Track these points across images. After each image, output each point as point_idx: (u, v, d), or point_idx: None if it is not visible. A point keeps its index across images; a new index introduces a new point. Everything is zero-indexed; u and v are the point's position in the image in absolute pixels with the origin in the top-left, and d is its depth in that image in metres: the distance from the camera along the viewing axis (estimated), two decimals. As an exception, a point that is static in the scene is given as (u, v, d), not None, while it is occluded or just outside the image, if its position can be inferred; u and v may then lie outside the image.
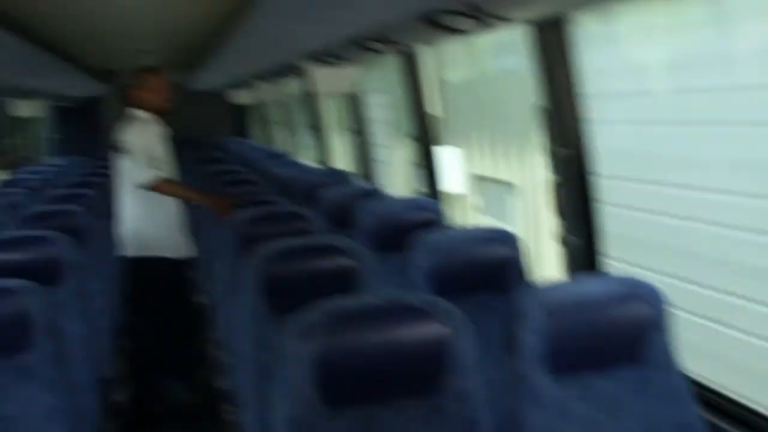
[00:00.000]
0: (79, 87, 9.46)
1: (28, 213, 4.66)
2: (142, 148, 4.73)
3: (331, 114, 11.45)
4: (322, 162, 7.44)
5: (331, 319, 2.10)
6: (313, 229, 3.97)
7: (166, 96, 4.92)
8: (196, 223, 5.30)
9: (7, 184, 7.15)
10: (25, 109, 8.23)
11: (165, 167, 4.85)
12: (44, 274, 3.43)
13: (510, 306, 2.98)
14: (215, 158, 8.63)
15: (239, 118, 12.57)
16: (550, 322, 2.24)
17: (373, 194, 4.97)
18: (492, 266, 3.18)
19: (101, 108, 11.66)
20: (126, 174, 4.84)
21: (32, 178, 7.32)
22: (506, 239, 3.21)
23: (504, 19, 2.20)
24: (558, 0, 2.13)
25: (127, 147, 4.80)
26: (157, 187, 4.72)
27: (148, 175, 4.70)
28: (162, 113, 4.95)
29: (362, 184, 6.31)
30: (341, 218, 4.81)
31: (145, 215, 4.86)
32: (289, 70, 5.82)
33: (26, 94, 7.68)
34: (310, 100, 7.39)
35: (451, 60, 9.06)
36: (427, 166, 4.68)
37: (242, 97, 10.26)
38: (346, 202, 4.87)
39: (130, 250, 4.94)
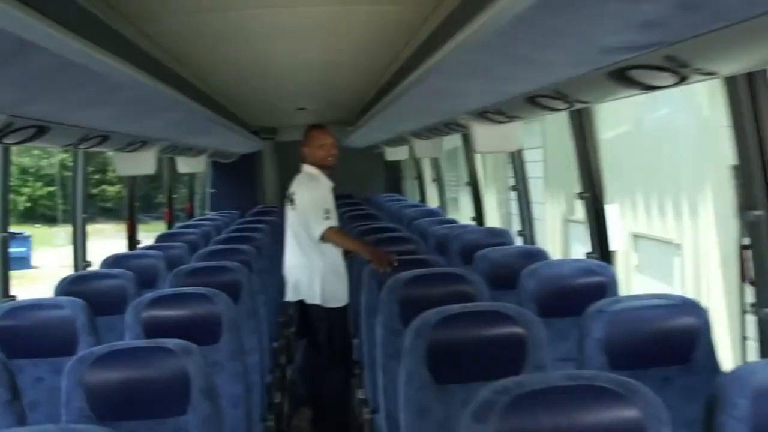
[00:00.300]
0: (239, 143, 9.73)
1: (187, 269, 4.74)
2: (313, 202, 5.18)
3: (485, 170, 11.31)
4: (477, 220, 7.29)
5: (513, 399, 1.95)
6: (474, 292, 3.82)
7: (332, 152, 5.36)
8: (357, 276, 5.37)
9: (165, 237, 7.31)
10: (186, 165, 8.51)
11: (333, 218, 5.23)
12: (203, 331, 3.51)
13: (695, 382, 2.90)
14: (368, 214, 8.63)
15: (393, 174, 12.62)
16: (756, 409, 2.11)
17: (536, 255, 4.77)
18: (675, 339, 2.99)
19: (258, 163, 11.98)
20: (296, 225, 5.28)
21: (190, 232, 7.47)
22: (691, 309, 3.03)
23: (706, 74, 2.01)
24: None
25: (298, 201, 5.26)
26: (328, 236, 5.14)
27: (319, 226, 5.13)
28: (328, 168, 5.37)
29: (521, 243, 6.12)
30: (503, 280, 4.65)
31: (309, 264, 5.25)
32: (448, 127, 5.73)
33: (190, 151, 7.92)
34: (467, 157, 7.28)
35: (603, 112, 8.79)
36: (596, 226, 4.45)
37: (396, 153, 10.27)
38: (508, 262, 4.71)
39: (291, 296, 5.37)
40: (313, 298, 5.30)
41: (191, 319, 3.58)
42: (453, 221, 7.40)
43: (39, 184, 34.26)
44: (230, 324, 3.60)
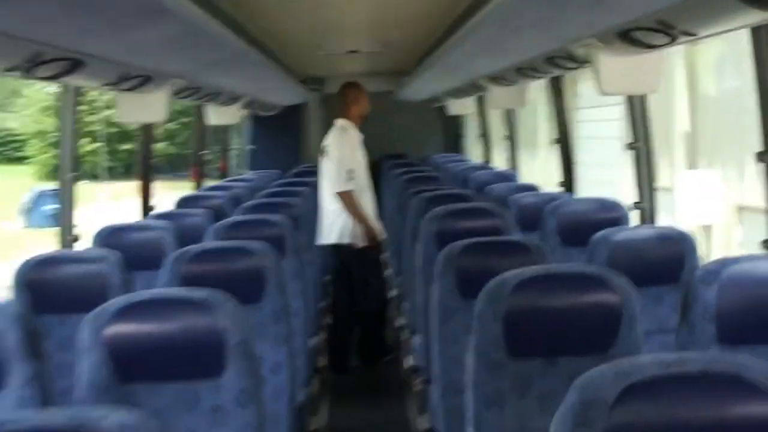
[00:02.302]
0: (280, 92, 8.36)
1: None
2: (340, 159, 5.70)
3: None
4: (566, 187, 5.82)
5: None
6: (618, 301, 2.42)
7: (366, 107, 5.93)
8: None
9: (187, 201, 6.00)
10: (220, 117, 7.07)
11: (359, 173, 5.79)
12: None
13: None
14: (429, 177, 7.19)
15: (452, 131, 11.11)
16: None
17: (682, 242, 3.37)
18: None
19: (302, 117, 10.52)
20: (331, 174, 5.75)
21: (217, 196, 6.15)
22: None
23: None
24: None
25: (330, 153, 5.76)
26: (342, 197, 5.66)
27: (340, 185, 5.68)
28: (360, 122, 5.93)
29: (637, 220, 4.67)
30: (638, 273, 3.26)
31: (341, 208, 5.69)
32: (551, 63, 4.25)
33: (218, 97, 6.58)
34: (557, 109, 5.81)
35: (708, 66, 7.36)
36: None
37: (461, 106, 8.75)
38: (645, 249, 3.36)
39: (326, 239, 5.79)
40: (345, 237, 5.72)
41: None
42: (534, 188, 5.94)
43: (86, 140, 33.62)
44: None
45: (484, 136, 9.06)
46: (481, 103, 8.95)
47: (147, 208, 5.78)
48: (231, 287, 2.62)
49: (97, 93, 32.73)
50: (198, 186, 7.54)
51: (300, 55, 7.46)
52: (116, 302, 2.45)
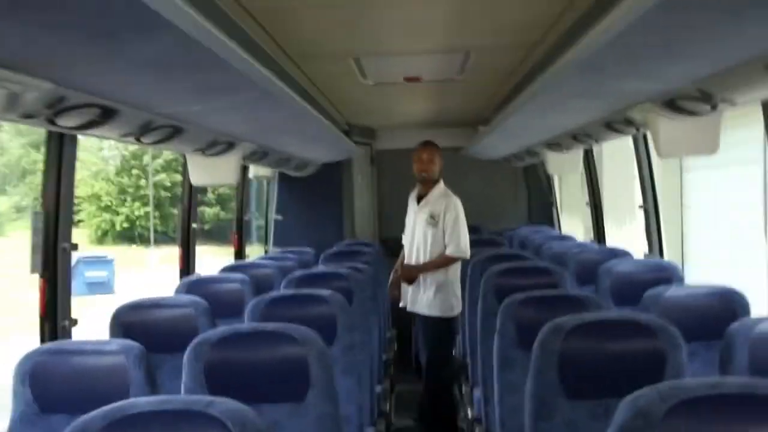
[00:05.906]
0: (316, 145, 5.83)
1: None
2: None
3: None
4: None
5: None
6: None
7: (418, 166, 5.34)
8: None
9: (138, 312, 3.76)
10: (203, 174, 4.37)
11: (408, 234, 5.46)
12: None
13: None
14: (525, 268, 4.44)
15: (542, 197, 8.40)
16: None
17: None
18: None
19: (344, 177, 7.81)
20: (438, 242, 5.35)
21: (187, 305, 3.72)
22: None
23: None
24: None
25: (447, 219, 5.29)
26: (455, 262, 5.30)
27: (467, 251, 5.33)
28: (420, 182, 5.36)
29: None
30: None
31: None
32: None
33: (211, 146, 4.08)
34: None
35: None
36: None
37: (562, 164, 6.03)
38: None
39: (432, 311, 5.25)
40: (455, 309, 5.30)
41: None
42: (739, 301, 3.21)
43: (137, 204, 32.11)
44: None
45: (595, 203, 6.23)
46: (589, 158, 6.25)
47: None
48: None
49: (150, 158, 31.06)
50: (183, 273, 4.89)
51: (339, 84, 4.91)
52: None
